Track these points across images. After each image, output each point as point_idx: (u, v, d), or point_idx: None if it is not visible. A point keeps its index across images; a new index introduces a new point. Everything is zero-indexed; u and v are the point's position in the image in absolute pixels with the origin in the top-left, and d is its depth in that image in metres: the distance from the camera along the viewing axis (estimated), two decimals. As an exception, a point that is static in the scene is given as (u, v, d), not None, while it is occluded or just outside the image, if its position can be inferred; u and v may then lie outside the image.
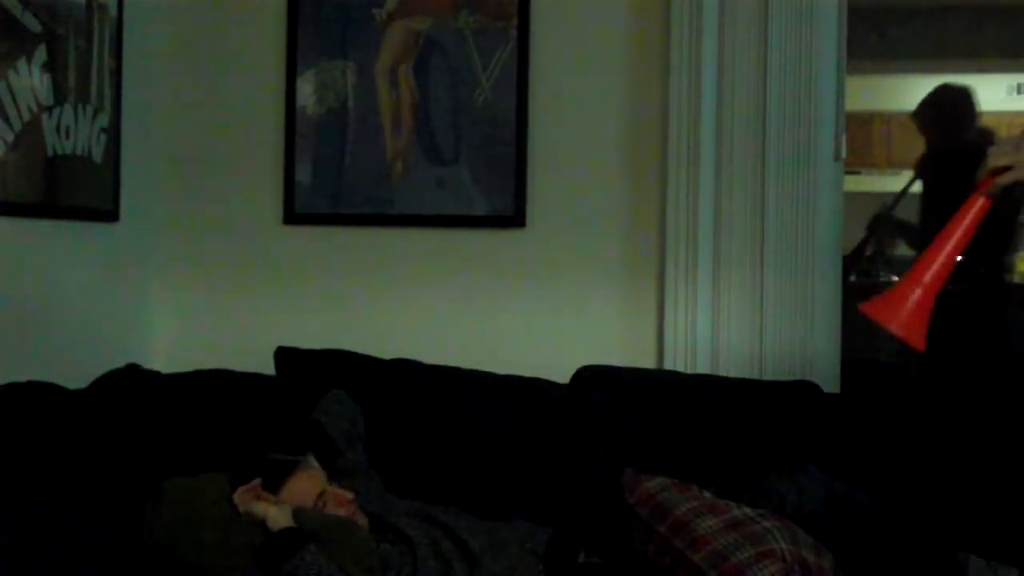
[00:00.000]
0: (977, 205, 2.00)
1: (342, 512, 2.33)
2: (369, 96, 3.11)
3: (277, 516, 2.23)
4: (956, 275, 2.03)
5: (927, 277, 1.96)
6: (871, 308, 1.97)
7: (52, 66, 2.69)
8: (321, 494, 2.35)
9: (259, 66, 3.19)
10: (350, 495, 2.37)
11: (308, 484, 2.36)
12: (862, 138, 7.92)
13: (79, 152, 2.82)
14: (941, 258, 1.97)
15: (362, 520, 2.37)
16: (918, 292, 1.95)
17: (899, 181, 4.99)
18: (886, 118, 8.43)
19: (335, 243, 3.17)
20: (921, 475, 2.41)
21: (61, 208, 2.77)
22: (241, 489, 2.29)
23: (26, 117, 2.61)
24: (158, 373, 2.74)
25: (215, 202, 3.23)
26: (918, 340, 1.95)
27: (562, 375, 2.76)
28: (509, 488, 2.60)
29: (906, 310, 1.94)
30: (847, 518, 2.22)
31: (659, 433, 2.61)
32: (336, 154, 3.13)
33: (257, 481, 2.30)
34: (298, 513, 2.27)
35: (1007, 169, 1.98)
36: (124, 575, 2.19)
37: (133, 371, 2.65)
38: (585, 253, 3.01)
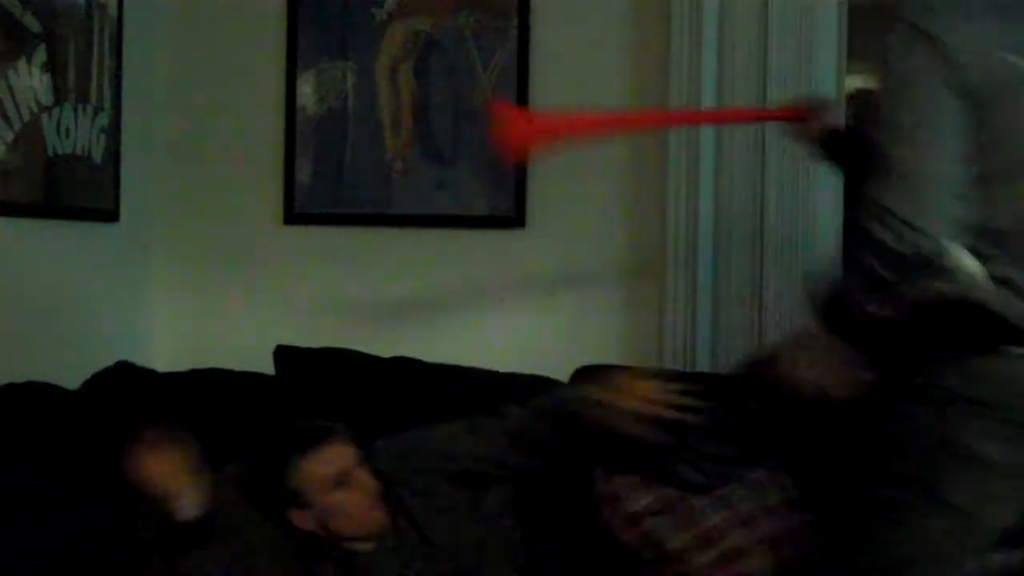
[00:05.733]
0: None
1: (361, 500, 2.16)
2: (369, 96, 3.10)
3: (188, 503, 2.00)
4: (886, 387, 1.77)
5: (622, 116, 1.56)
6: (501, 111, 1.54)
7: (52, 66, 2.69)
8: (346, 472, 2.15)
9: (259, 66, 3.19)
10: (376, 485, 2.19)
11: (332, 459, 2.15)
12: (863, 138, 7.91)
13: (79, 152, 2.82)
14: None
15: (381, 518, 2.21)
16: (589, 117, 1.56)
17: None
18: (887, 119, 8.43)
19: (335, 243, 3.17)
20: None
21: (61, 208, 2.78)
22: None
23: (26, 117, 2.61)
24: (152, 371, 2.74)
25: (215, 202, 3.23)
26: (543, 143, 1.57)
27: (562, 375, 2.76)
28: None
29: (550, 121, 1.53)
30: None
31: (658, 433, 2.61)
32: (336, 154, 3.13)
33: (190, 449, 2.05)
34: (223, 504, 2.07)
35: None
36: (119, 574, 2.19)
37: (125, 368, 2.64)
38: (585, 253, 3.00)
